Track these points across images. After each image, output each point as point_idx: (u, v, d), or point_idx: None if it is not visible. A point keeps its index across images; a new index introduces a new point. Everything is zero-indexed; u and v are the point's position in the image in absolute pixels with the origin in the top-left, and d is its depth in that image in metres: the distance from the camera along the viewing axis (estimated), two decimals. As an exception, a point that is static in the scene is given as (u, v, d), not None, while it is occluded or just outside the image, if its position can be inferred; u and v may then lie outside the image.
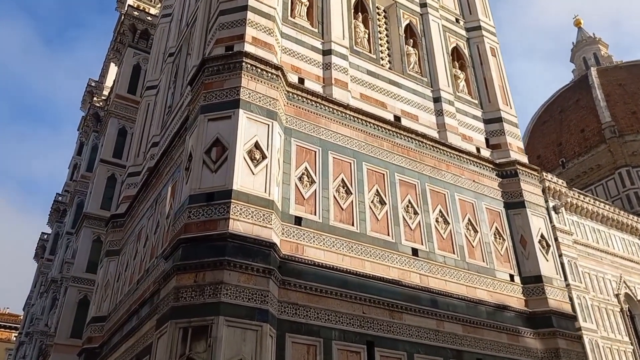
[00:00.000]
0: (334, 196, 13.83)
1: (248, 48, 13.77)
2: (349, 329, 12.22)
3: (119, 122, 29.75)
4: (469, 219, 16.17)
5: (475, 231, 16.10)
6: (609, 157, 50.67)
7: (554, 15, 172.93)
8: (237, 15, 14.53)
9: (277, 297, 11.51)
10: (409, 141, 16.23)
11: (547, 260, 16.53)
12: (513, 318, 15.13)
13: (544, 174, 28.32)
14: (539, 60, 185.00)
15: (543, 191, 23.29)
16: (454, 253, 15.22)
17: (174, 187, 15.19)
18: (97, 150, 34.79)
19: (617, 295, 33.75)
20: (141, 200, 18.82)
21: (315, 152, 14.17)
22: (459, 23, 21.28)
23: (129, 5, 35.39)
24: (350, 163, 14.66)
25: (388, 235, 14.21)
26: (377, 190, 14.70)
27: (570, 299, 20.69)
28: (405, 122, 16.67)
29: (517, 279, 16.10)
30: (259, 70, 13.51)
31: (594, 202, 36.37)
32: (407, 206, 15.04)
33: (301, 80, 15.14)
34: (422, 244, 14.70)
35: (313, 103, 14.80)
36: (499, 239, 16.56)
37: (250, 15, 14.49)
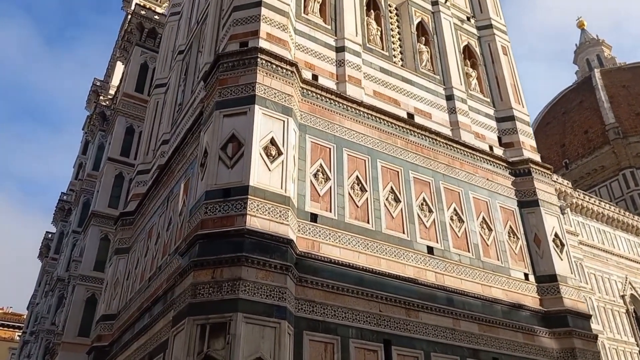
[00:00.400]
0: (349, 193, 13.73)
1: (263, 44, 13.68)
2: (366, 327, 12.10)
3: (127, 120, 29.64)
4: (483, 218, 16.06)
5: (490, 230, 15.99)
6: (613, 158, 50.58)
7: (556, 17, 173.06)
8: (251, 12, 14.45)
9: (294, 294, 11.41)
10: (422, 139, 16.12)
11: (562, 260, 16.40)
12: (528, 317, 15.00)
13: (550, 174, 28.10)
14: (542, 61, 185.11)
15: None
16: (468, 251, 15.10)
17: (187, 183, 15.09)
18: (103, 149, 34.69)
19: (622, 296, 33.64)
20: (152, 197, 18.72)
21: (329, 149, 14.07)
22: (470, 21, 21.19)
23: (136, 4, 35.31)
24: (365, 160, 14.56)
25: (403, 233, 14.10)
26: (391, 187, 14.59)
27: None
28: (418, 119, 16.57)
29: (531, 277, 15.97)
30: (274, 66, 13.42)
31: (599, 203, 36.28)
32: (422, 204, 14.93)
33: (315, 77, 15.05)
34: (437, 242, 14.58)
35: (327, 100, 14.70)
36: (513, 237, 16.44)
37: (264, 11, 14.41)
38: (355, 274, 12.55)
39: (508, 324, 14.42)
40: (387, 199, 14.33)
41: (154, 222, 17.63)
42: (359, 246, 13.10)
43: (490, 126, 18.67)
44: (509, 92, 19.48)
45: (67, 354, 23.99)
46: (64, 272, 34.59)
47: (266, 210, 11.56)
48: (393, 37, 18.51)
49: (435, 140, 16.36)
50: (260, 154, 12.12)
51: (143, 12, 32.21)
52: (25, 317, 62.91)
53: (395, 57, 17.96)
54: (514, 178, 17.60)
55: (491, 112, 19.13)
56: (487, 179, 16.97)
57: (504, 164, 17.63)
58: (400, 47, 18.59)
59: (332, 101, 14.76)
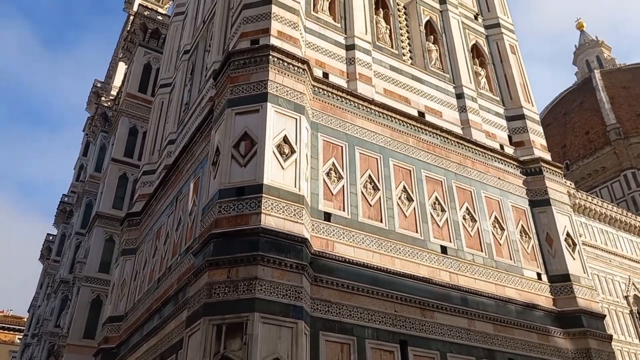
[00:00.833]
0: (362, 192, 13.58)
1: (274, 42, 13.53)
2: (382, 327, 11.94)
3: (130, 121, 29.50)
4: (496, 217, 15.91)
5: (502, 229, 15.85)
6: (614, 159, 50.48)
7: (555, 19, 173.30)
8: (262, 9, 14.30)
9: (310, 294, 11.24)
10: (434, 137, 15.99)
11: (574, 259, 16.26)
12: (542, 317, 14.84)
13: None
14: (542, 63, 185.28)
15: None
16: (481, 251, 14.95)
17: (197, 183, 14.92)
18: (105, 150, 34.56)
19: (626, 297, 33.48)
20: (159, 197, 18.53)
21: (342, 147, 13.92)
22: (478, 20, 21.10)
23: (139, 4, 35.17)
24: (377, 159, 14.41)
25: (416, 232, 13.95)
26: (404, 186, 14.44)
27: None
28: (429, 118, 16.44)
29: (544, 277, 15.83)
30: (286, 64, 13.28)
31: (601, 204, 36.16)
32: (435, 203, 14.79)
33: (325, 75, 14.91)
34: (450, 242, 14.44)
35: (338, 98, 14.56)
36: (525, 237, 16.30)
37: (275, 8, 14.27)
38: (370, 273, 12.39)
39: (522, 324, 14.27)
40: (399, 198, 14.18)
41: (162, 222, 17.45)
42: (373, 245, 12.94)
43: (500, 125, 18.55)
44: (518, 90, 19.39)
45: (72, 356, 23.80)
46: (68, 273, 34.37)
47: (280, 208, 11.41)
48: (402, 35, 18.40)
49: (447, 138, 16.22)
50: (274, 152, 11.97)
51: (146, 13, 32.08)
52: (25, 319, 62.63)
53: (404, 55, 17.84)
54: (525, 177, 17.48)
55: (501, 110, 19.02)
56: (499, 178, 16.83)
57: (515, 163, 17.51)
58: (410, 45, 18.48)
59: (343, 99, 14.62)
